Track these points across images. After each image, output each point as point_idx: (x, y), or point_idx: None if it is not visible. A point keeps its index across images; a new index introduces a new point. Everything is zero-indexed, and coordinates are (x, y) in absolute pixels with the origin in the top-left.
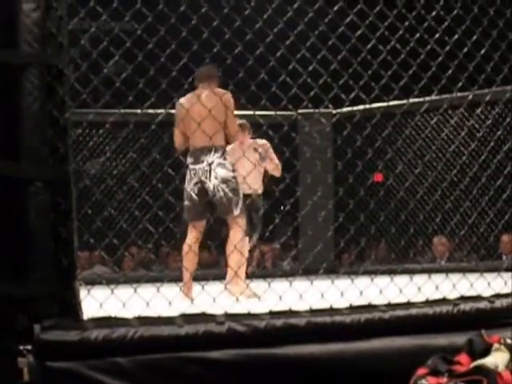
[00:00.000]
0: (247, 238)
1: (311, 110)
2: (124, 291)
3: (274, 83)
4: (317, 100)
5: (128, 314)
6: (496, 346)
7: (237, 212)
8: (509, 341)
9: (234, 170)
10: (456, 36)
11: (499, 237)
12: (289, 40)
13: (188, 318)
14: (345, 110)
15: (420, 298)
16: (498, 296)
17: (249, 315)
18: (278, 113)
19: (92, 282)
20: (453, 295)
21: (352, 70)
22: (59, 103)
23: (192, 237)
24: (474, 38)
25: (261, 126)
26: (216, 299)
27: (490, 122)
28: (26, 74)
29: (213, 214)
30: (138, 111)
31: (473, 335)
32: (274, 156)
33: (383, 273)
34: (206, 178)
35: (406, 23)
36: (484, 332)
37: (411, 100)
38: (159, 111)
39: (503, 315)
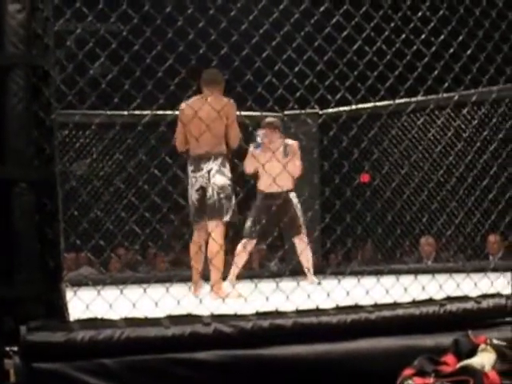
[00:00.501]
0: (245, 240)
1: (297, 111)
2: (111, 292)
3: (259, 84)
4: (303, 101)
5: (114, 315)
6: (482, 346)
7: (226, 218)
8: (495, 341)
9: (231, 178)
10: (442, 37)
11: (486, 237)
12: (275, 41)
13: (174, 319)
14: (331, 110)
15: (406, 299)
16: (484, 296)
17: (235, 316)
18: (264, 114)
19: (78, 283)
20: (439, 296)
21: (338, 70)
22: (45, 104)
23: (198, 237)
24: (460, 38)
25: (247, 127)
26: (202, 300)
27: (476, 122)
28: (12, 75)
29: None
30: (125, 112)
31: (459, 335)
32: (298, 157)
33: (370, 273)
34: (206, 183)
35: (392, 24)
36: (470, 332)
37: (397, 101)
38: (145, 112)
39: (490, 315)
